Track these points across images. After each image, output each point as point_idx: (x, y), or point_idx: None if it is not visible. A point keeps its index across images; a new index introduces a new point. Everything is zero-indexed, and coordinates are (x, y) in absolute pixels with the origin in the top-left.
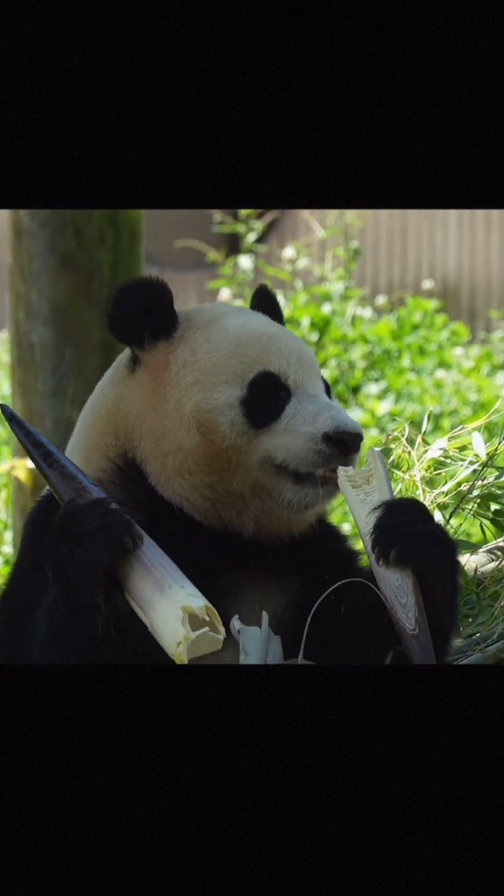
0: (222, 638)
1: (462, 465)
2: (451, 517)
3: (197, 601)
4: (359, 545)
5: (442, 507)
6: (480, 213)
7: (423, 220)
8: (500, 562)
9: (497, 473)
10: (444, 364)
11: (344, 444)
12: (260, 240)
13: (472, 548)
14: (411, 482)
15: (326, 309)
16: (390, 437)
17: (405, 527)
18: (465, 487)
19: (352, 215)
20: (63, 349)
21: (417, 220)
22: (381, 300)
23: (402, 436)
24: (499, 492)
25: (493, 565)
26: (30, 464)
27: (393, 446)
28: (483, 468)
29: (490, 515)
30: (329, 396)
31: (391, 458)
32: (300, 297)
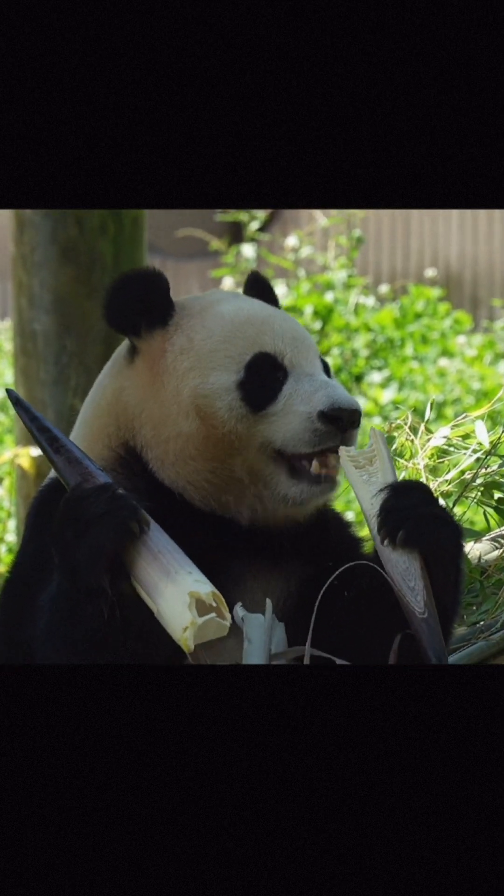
0: (228, 624)
1: (465, 454)
2: (454, 505)
3: (204, 587)
4: (363, 532)
5: (445, 495)
6: None
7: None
8: None
9: (500, 461)
10: (446, 352)
11: (340, 420)
12: (262, 229)
13: (476, 536)
14: (414, 470)
15: (329, 298)
16: (393, 426)
17: (412, 509)
18: (468, 476)
19: None
20: (65, 338)
21: (420, 209)
22: (384, 289)
23: (405, 424)
24: (502, 480)
25: (496, 553)
26: (33, 451)
27: (396, 434)
28: (486, 456)
29: (493, 503)
30: (328, 376)
31: (394, 447)
32: (303, 285)
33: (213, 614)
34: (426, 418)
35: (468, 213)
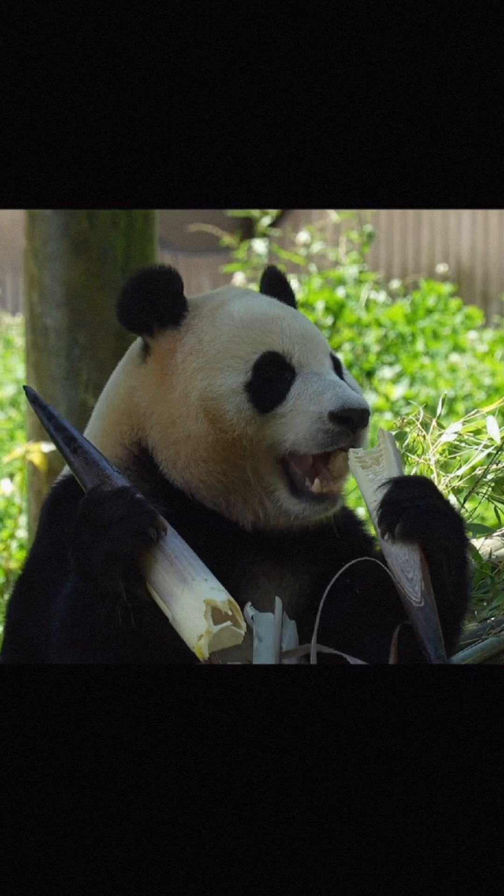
0: (243, 633)
1: (476, 449)
2: (465, 501)
3: (220, 595)
4: (373, 530)
5: (456, 491)
6: None
7: None
8: None
9: None
10: (458, 348)
11: (350, 420)
12: (274, 224)
13: (487, 531)
14: (426, 466)
15: (341, 293)
16: (405, 422)
17: (411, 501)
18: (479, 471)
19: None
20: (76, 333)
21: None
22: (396, 284)
23: (417, 420)
24: None
25: None
26: (45, 447)
27: (407, 430)
28: (497, 452)
29: None
30: (340, 373)
31: (406, 442)
32: (314, 281)
33: (229, 623)
34: (437, 414)
35: (479, 209)
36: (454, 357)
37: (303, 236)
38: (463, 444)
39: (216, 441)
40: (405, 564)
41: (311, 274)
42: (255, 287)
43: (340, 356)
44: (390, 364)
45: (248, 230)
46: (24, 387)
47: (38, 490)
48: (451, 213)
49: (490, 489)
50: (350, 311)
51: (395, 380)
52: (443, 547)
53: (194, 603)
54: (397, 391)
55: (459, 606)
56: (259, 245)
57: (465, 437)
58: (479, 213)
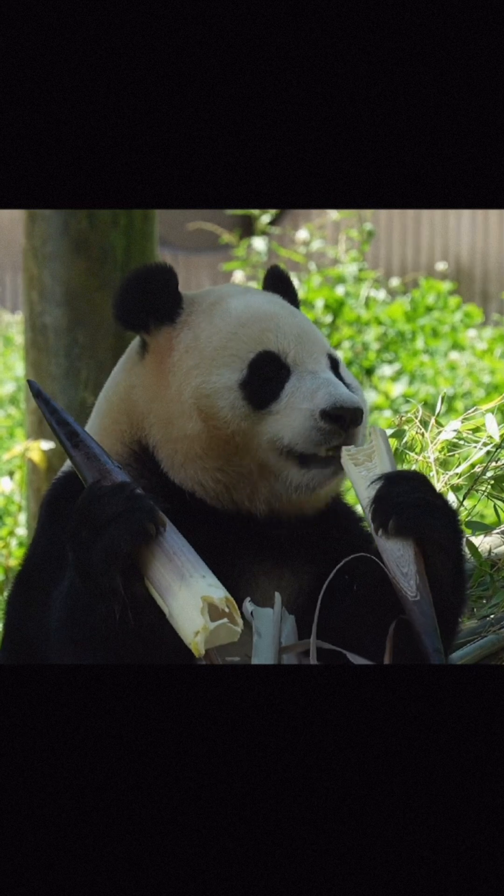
0: (240, 630)
1: (476, 447)
2: (464, 499)
3: (218, 592)
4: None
5: (456, 488)
6: None
7: None
8: None
9: None
10: (457, 346)
11: (342, 419)
12: (273, 222)
13: (487, 529)
14: (425, 464)
15: (340, 291)
16: (404, 419)
17: (403, 496)
18: (478, 469)
19: None
20: (76, 331)
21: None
22: (395, 282)
23: (416, 418)
24: None
25: None
26: (44, 445)
27: (406, 428)
28: (497, 450)
29: (503, 497)
30: (338, 371)
31: (404, 440)
32: (314, 279)
33: (225, 620)
34: (437, 412)
35: None
36: (453, 355)
37: (302, 234)
38: (462, 442)
39: (210, 438)
40: (399, 559)
41: (311, 272)
42: (254, 285)
43: (340, 354)
44: (390, 362)
45: (247, 228)
46: (28, 381)
47: (37, 488)
48: (451, 212)
49: (489, 487)
50: (350, 308)
51: (395, 378)
52: (436, 541)
53: (191, 599)
54: (397, 389)
55: (456, 600)
56: (259, 243)
57: (465, 434)
58: (479, 211)
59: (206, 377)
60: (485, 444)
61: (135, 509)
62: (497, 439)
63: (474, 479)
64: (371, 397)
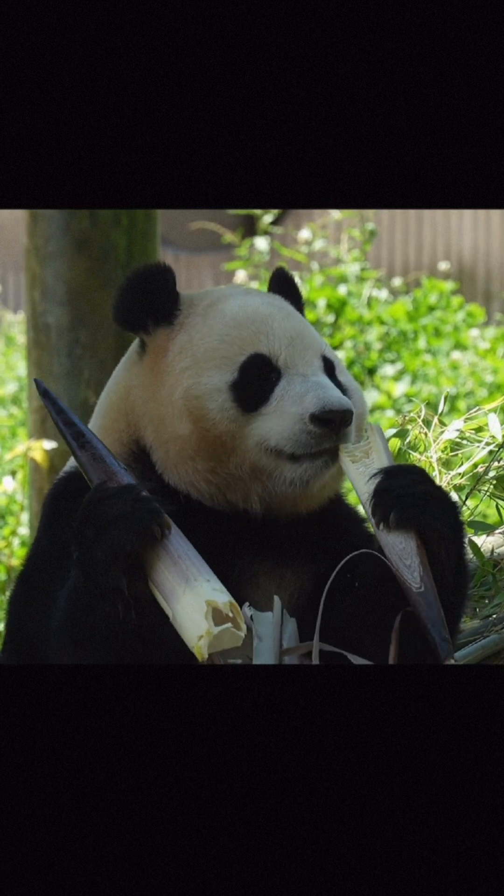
0: (243, 635)
1: (478, 447)
2: (467, 499)
3: (222, 596)
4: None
5: (458, 488)
6: None
7: None
8: None
9: None
10: (459, 345)
11: (332, 422)
12: (275, 222)
13: (489, 529)
14: (427, 463)
15: (342, 290)
16: (406, 419)
17: (403, 489)
18: (481, 469)
19: None
20: (78, 331)
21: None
22: (397, 282)
23: (419, 417)
24: None
25: None
26: (47, 444)
27: (409, 427)
28: (499, 449)
29: None
30: (333, 373)
31: (407, 440)
32: (316, 278)
33: (229, 624)
34: (439, 411)
35: None
36: (456, 354)
37: (304, 234)
38: (465, 442)
39: (200, 440)
40: (402, 552)
41: (313, 271)
42: (256, 285)
43: (342, 354)
44: (392, 361)
45: (249, 228)
46: (35, 380)
47: (39, 487)
48: (453, 212)
49: (492, 487)
50: (352, 308)
51: (397, 377)
52: (438, 531)
53: (196, 603)
54: (399, 388)
55: (459, 592)
56: (261, 243)
57: (467, 434)
58: (481, 211)
59: (197, 378)
60: (487, 444)
61: (140, 510)
62: (500, 439)
63: (477, 479)
64: (373, 397)
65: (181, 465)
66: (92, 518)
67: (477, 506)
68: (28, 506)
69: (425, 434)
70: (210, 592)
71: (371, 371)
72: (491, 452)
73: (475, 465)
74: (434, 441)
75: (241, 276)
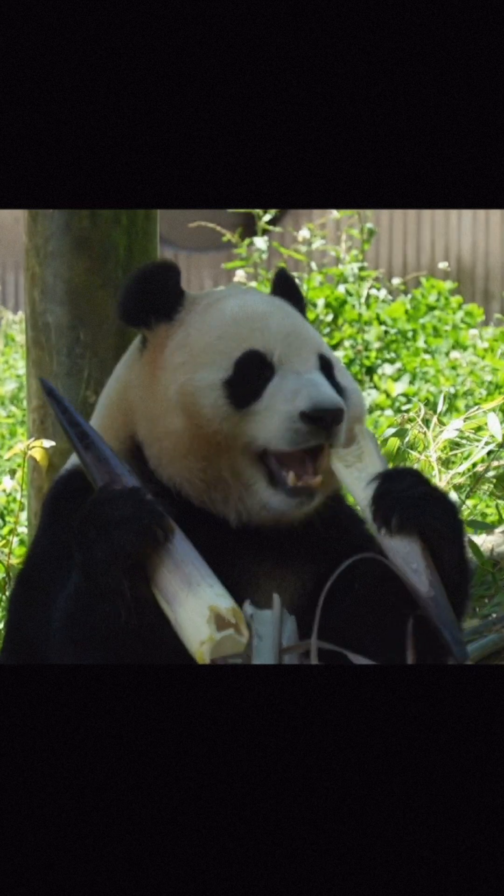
0: (245, 641)
1: (477, 446)
2: (466, 498)
3: (225, 602)
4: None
5: (457, 487)
6: None
7: None
8: None
9: None
10: (458, 345)
11: (322, 420)
12: (275, 221)
13: (488, 528)
14: (427, 463)
15: (341, 290)
16: (406, 418)
17: (403, 492)
18: (480, 468)
19: None
20: (78, 330)
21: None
22: (396, 281)
23: (418, 417)
24: None
25: None
26: (46, 443)
27: (408, 427)
28: (499, 449)
29: None
30: (330, 371)
31: (406, 439)
32: (315, 278)
33: (231, 630)
34: (438, 411)
35: None
36: (455, 354)
37: (303, 233)
38: (464, 441)
39: (193, 437)
40: (407, 556)
41: (312, 271)
42: (255, 285)
43: (341, 353)
44: (391, 361)
45: (249, 227)
46: (41, 379)
47: (39, 486)
48: (452, 211)
49: (491, 486)
50: (351, 308)
51: (396, 377)
52: (439, 532)
53: (198, 608)
54: (398, 388)
55: (460, 591)
56: (260, 242)
57: (466, 433)
58: (480, 211)
59: (192, 374)
60: (487, 444)
61: (143, 513)
62: (499, 438)
63: (476, 479)
64: (372, 396)
65: (174, 462)
66: (94, 519)
67: (476, 505)
68: (27, 505)
69: (425, 433)
70: (213, 598)
71: (370, 370)
72: (490, 452)
73: (474, 465)
74: (433, 440)
75: (240, 275)
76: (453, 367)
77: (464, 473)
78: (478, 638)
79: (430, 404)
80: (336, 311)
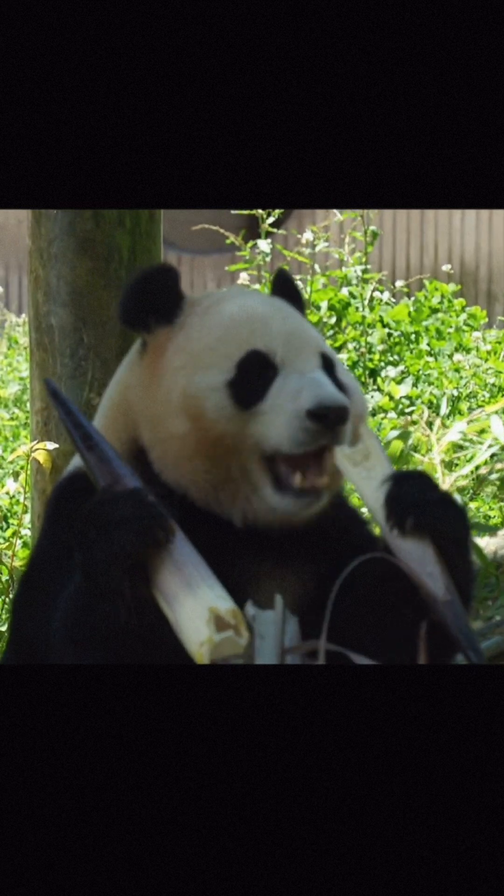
0: (245, 643)
1: (481, 449)
2: (470, 500)
3: (225, 603)
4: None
5: (461, 490)
6: None
7: None
8: None
9: None
10: (462, 347)
11: (327, 418)
12: (278, 223)
13: (491, 531)
14: (430, 465)
15: (345, 292)
16: (409, 421)
17: (417, 495)
18: (483, 471)
19: None
20: (81, 332)
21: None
22: (400, 284)
23: (421, 419)
24: None
25: None
26: (49, 445)
27: (412, 430)
28: (502, 451)
29: None
30: (332, 371)
31: (410, 442)
32: (318, 280)
33: (231, 632)
34: (442, 413)
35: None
36: (458, 356)
37: (307, 235)
38: (467, 444)
39: (199, 439)
40: (421, 560)
41: (316, 273)
42: (258, 287)
43: (344, 356)
44: (394, 363)
45: (252, 230)
46: (45, 380)
47: (42, 489)
48: (455, 213)
49: (494, 488)
50: (354, 310)
51: (400, 379)
52: (455, 538)
53: (198, 609)
54: (401, 390)
55: (467, 595)
56: (264, 245)
57: (470, 436)
58: (484, 212)
59: (193, 377)
60: (490, 446)
61: (144, 514)
62: (502, 441)
63: (479, 481)
64: (376, 399)
65: (180, 465)
66: (95, 520)
67: (479, 507)
68: (31, 507)
69: (428, 436)
70: (213, 599)
71: (373, 373)
72: (493, 454)
73: (478, 467)
74: (437, 443)
75: (243, 277)
76: (456, 370)
77: (467, 476)
78: (482, 640)
79: (434, 407)
80: (339, 313)
